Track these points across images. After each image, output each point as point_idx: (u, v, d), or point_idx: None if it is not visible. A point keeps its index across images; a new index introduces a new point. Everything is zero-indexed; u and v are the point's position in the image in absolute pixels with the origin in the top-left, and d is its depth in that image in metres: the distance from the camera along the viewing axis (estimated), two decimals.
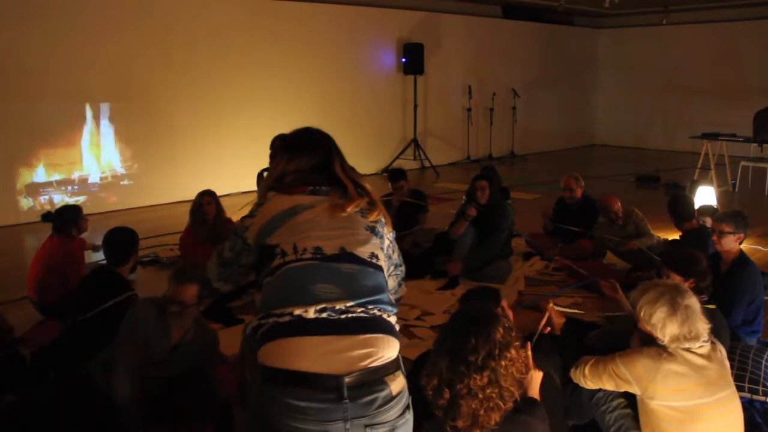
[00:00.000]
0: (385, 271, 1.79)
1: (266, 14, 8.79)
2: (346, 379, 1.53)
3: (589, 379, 2.43)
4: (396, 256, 1.98)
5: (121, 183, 7.82)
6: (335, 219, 1.74)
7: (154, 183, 7.95)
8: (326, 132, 1.97)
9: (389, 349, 1.63)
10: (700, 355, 2.25)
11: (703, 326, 2.26)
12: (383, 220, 1.87)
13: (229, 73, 8.41)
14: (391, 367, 1.62)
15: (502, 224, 5.13)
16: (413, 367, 3.28)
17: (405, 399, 1.65)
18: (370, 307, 1.64)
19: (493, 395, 1.75)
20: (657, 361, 2.23)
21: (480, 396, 1.74)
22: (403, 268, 2.04)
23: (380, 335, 1.62)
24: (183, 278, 2.76)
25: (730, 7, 11.80)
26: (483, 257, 5.05)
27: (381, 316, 1.65)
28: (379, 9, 10.10)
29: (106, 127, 7.64)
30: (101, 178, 7.68)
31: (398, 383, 1.63)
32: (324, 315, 1.58)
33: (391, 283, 1.89)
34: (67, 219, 4.28)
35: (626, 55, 13.58)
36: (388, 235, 1.90)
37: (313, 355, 1.54)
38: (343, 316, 1.59)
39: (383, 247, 1.83)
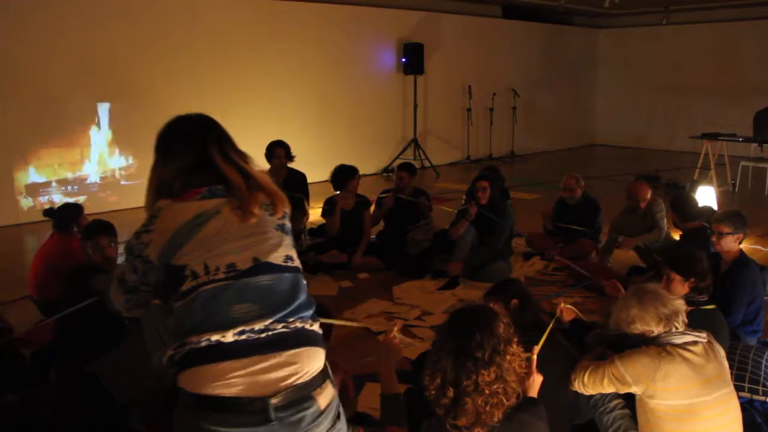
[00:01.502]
0: (301, 269, 1.69)
1: (266, 14, 8.80)
2: (272, 401, 1.47)
3: (589, 386, 2.42)
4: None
5: (121, 183, 7.83)
6: (245, 224, 1.60)
7: None
8: (205, 117, 1.73)
9: (314, 361, 1.57)
10: (698, 354, 2.26)
11: (678, 302, 2.40)
12: (287, 210, 1.74)
13: (228, 73, 8.42)
14: (317, 381, 1.57)
15: (502, 224, 5.14)
16: (413, 367, 3.29)
17: (334, 410, 1.60)
18: (290, 320, 1.56)
19: (499, 391, 1.76)
20: (656, 360, 2.24)
21: (486, 392, 1.75)
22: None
23: (303, 349, 1.55)
24: None
25: (730, 7, 11.80)
26: (483, 257, 5.05)
27: (303, 327, 1.58)
28: (379, 9, 10.10)
29: (106, 127, 7.65)
30: (101, 178, 7.68)
31: (326, 395, 1.58)
32: (243, 337, 1.49)
33: None
34: (67, 216, 4.27)
35: (626, 55, 13.59)
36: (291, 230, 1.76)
37: (236, 380, 1.47)
38: (263, 335, 1.51)
39: (293, 246, 1.71)
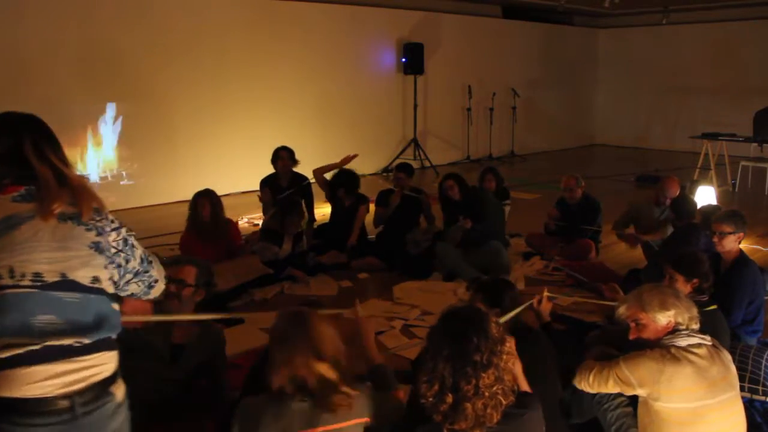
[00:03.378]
0: (109, 292, 1.67)
1: (266, 14, 8.79)
2: (78, 398, 1.55)
3: (594, 387, 2.43)
4: (135, 264, 1.76)
5: (121, 183, 7.82)
6: (55, 235, 1.56)
7: (154, 183, 7.95)
8: (30, 115, 1.70)
9: (112, 362, 1.66)
10: (702, 357, 2.26)
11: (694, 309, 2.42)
12: (105, 218, 1.67)
13: (228, 73, 8.41)
14: (116, 376, 1.66)
15: (487, 210, 5.20)
16: (413, 367, 3.29)
17: (127, 402, 1.70)
18: (94, 336, 1.60)
19: (498, 392, 1.76)
20: (660, 363, 2.24)
21: (486, 394, 1.74)
22: (151, 272, 1.83)
23: (103, 353, 1.63)
24: (182, 261, 2.89)
25: (730, 7, 11.80)
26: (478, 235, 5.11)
27: (102, 338, 1.63)
28: (379, 9, 10.10)
29: (106, 127, 7.64)
30: (101, 178, 7.67)
31: (121, 389, 1.67)
32: (51, 343, 1.53)
33: (135, 288, 1.78)
34: None
35: (626, 55, 13.59)
36: (115, 242, 1.68)
37: (44, 382, 1.51)
38: (69, 342, 1.56)
39: (110, 264, 1.67)
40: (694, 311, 2.39)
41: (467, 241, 5.17)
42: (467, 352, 1.75)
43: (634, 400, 2.46)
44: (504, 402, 1.78)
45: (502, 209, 5.61)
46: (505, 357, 1.79)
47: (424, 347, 1.89)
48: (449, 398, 1.74)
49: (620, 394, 2.51)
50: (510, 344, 1.85)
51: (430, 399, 1.77)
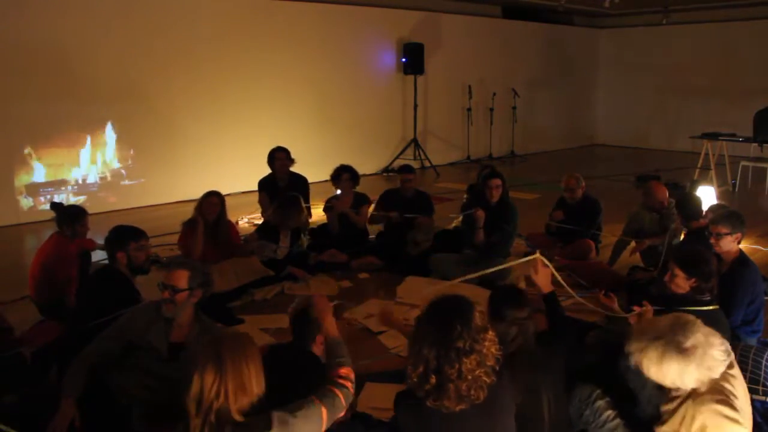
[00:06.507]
0: None
1: (266, 14, 8.79)
2: None
3: None
4: None
5: (121, 183, 7.82)
6: None
7: (154, 183, 7.95)
8: None
9: None
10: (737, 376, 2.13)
11: (716, 340, 2.08)
12: None
13: (229, 73, 8.41)
14: None
15: (507, 227, 5.10)
16: None
17: None
18: None
19: (482, 374, 1.88)
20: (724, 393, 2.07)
21: (470, 378, 1.86)
22: None
23: None
24: (174, 265, 2.93)
25: (730, 7, 11.81)
26: (487, 254, 5.05)
27: None
28: (379, 9, 10.10)
29: (107, 127, 7.64)
30: (101, 178, 7.68)
31: None
32: None
33: None
34: (66, 217, 4.25)
35: (626, 55, 13.59)
36: None
37: None
38: None
39: None
40: (707, 370, 2.06)
41: (469, 246, 5.11)
42: (450, 339, 1.86)
43: (622, 411, 2.45)
44: (488, 381, 1.90)
45: (517, 224, 5.45)
46: (487, 344, 1.90)
47: (412, 332, 2.00)
48: (433, 379, 1.87)
49: (607, 408, 2.49)
50: (492, 333, 1.95)
51: (415, 379, 1.91)
